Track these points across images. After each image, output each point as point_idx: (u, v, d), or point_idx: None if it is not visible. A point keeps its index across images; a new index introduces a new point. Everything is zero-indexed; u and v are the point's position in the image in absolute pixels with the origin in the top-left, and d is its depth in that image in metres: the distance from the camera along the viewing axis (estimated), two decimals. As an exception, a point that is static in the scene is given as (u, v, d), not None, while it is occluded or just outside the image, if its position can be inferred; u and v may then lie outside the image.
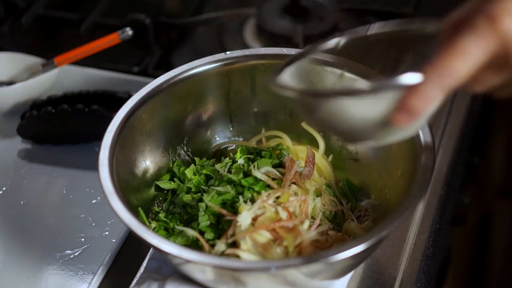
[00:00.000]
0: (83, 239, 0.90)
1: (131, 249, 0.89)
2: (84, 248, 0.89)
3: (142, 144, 0.86)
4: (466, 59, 0.52)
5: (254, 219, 0.78)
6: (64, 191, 0.98)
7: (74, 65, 1.16)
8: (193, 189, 0.86)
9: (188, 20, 1.25)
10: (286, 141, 0.92)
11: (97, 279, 0.86)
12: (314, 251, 0.75)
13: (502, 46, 0.52)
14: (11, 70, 1.13)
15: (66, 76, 1.17)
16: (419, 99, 0.54)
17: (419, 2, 1.28)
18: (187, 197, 0.84)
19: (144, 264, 0.83)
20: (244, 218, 0.77)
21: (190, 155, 0.92)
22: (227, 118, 0.93)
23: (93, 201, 0.95)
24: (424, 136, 0.77)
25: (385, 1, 1.29)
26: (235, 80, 0.91)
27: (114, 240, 0.90)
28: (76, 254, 0.88)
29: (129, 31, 1.09)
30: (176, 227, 0.82)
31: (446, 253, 1.15)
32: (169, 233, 0.83)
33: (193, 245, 0.80)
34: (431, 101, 0.54)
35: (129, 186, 0.81)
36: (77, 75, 1.18)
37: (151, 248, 0.84)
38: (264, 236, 0.76)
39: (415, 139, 0.78)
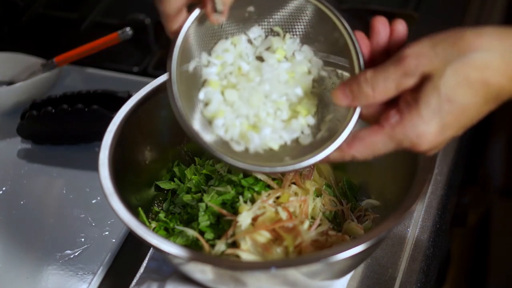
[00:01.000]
0: (83, 239, 0.90)
1: (131, 249, 0.89)
2: (84, 248, 0.89)
3: (142, 144, 0.86)
4: (374, 153, 0.68)
5: (254, 219, 0.78)
6: (64, 191, 0.98)
7: (74, 65, 1.17)
8: (193, 189, 0.86)
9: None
10: (286, 141, 0.92)
11: (97, 279, 0.85)
12: (314, 251, 0.75)
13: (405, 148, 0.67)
14: (11, 70, 1.13)
15: (66, 76, 1.17)
16: (329, 157, 0.70)
17: (419, 2, 1.28)
18: (187, 197, 0.84)
19: (144, 264, 0.83)
20: (244, 218, 0.77)
21: (190, 155, 0.91)
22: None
23: (93, 201, 0.95)
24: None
25: (385, 1, 1.30)
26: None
27: (114, 240, 0.90)
28: (76, 254, 0.88)
29: (129, 31, 1.09)
30: (176, 227, 0.82)
31: (446, 253, 1.15)
32: (169, 233, 0.82)
33: (193, 245, 0.80)
34: (337, 161, 0.70)
35: (129, 186, 0.81)
36: (77, 75, 1.18)
37: (151, 248, 0.84)
38: (264, 236, 0.76)
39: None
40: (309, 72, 0.74)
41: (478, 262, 1.57)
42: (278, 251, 0.75)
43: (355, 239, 0.69)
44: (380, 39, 0.69)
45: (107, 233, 0.91)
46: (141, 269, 0.83)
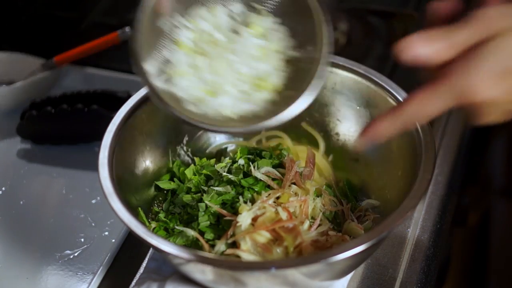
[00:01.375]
0: (83, 239, 0.90)
1: (131, 249, 0.89)
2: (84, 248, 0.89)
3: (142, 144, 0.86)
4: (433, 110, 0.62)
5: (254, 220, 0.78)
6: (64, 191, 0.98)
7: (74, 65, 1.16)
8: (193, 189, 0.85)
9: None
10: (286, 141, 0.92)
11: (97, 279, 0.85)
12: (314, 252, 0.75)
13: (469, 107, 0.62)
14: (11, 70, 1.13)
15: (66, 76, 1.17)
16: (386, 128, 0.64)
17: (419, 2, 1.28)
18: (187, 197, 0.84)
19: (144, 264, 0.83)
20: (244, 218, 0.77)
21: (190, 155, 0.91)
22: (227, 118, 0.93)
23: (93, 201, 0.95)
24: (425, 136, 0.77)
25: (385, 1, 1.30)
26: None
27: (114, 240, 0.89)
28: (76, 254, 0.88)
29: (129, 31, 1.08)
30: (176, 227, 0.82)
31: (446, 253, 1.15)
32: (169, 233, 0.82)
33: (193, 245, 0.79)
34: (393, 131, 0.64)
35: (129, 186, 0.81)
36: (77, 75, 1.18)
37: (151, 248, 0.84)
38: (264, 236, 0.76)
39: (415, 139, 0.78)
40: (280, 51, 0.74)
41: (478, 262, 1.57)
42: (278, 251, 0.75)
43: (355, 239, 0.69)
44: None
45: (107, 233, 0.91)
46: (141, 269, 0.83)
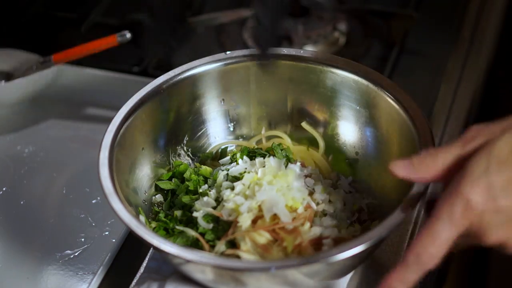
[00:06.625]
0: (83, 239, 0.90)
1: (131, 249, 0.89)
2: (84, 248, 0.89)
3: (142, 144, 0.86)
4: (441, 244, 0.62)
5: (254, 221, 0.77)
6: (64, 191, 0.98)
7: (74, 65, 1.16)
8: (191, 188, 0.85)
9: (188, 20, 1.25)
10: (286, 141, 0.92)
11: (97, 279, 0.85)
12: (314, 251, 0.75)
13: (471, 225, 0.61)
14: (8, 67, 1.13)
15: (66, 76, 1.17)
16: (400, 282, 0.63)
17: (419, 2, 1.28)
18: (186, 198, 0.84)
19: (144, 264, 0.83)
20: (245, 219, 0.77)
21: (190, 155, 0.91)
22: (227, 118, 0.93)
23: (93, 201, 0.95)
24: (425, 136, 0.77)
25: (385, 1, 1.29)
26: (235, 80, 0.91)
27: (114, 240, 0.89)
28: (76, 254, 0.88)
29: (127, 34, 1.07)
30: (177, 227, 0.82)
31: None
32: (169, 233, 0.82)
33: (193, 245, 0.79)
34: (409, 284, 0.63)
35: (129, 186, 0.81)
36: (77, 75, 1.17)
37: (151, 248, 0.84)
38: (264, 236, 0.76)
39: (415, 139, 0.78)
40: None
41: (478, 262, 1.57)
42: (277, 251, 0.75)
43: (355, 239, 0.69)
44: None
45: (107, 233, 0.91)
46: (141, 269, 0.83)
